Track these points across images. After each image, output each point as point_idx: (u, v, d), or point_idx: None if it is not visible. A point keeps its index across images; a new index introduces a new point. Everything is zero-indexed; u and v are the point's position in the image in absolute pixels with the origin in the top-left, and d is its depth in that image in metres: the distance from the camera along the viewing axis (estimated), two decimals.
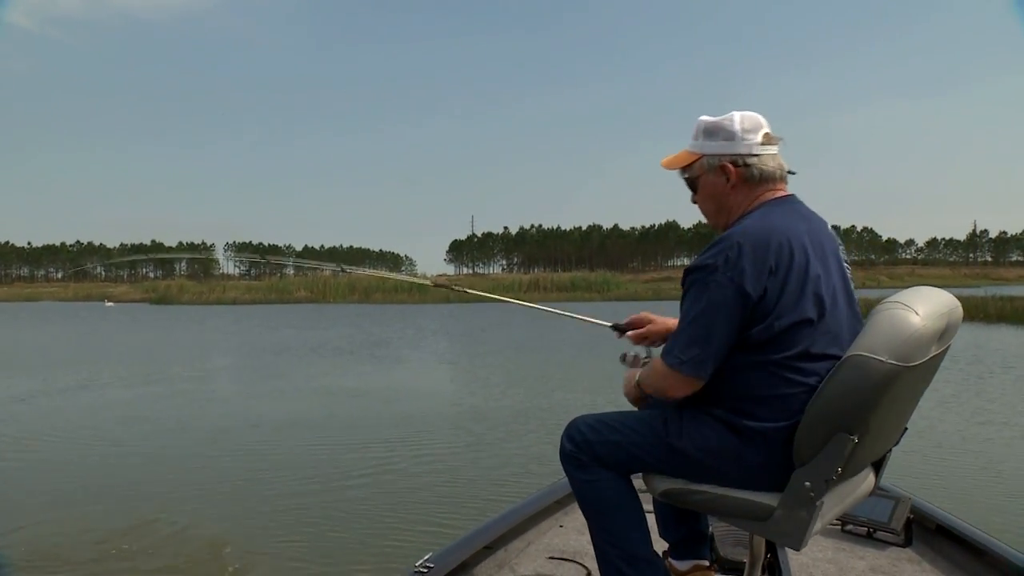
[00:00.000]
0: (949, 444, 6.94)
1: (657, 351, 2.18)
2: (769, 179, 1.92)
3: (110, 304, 61.44)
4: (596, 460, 1.92)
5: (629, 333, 2.32)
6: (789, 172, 1.95)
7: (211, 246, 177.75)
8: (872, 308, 1.82)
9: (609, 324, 2.39)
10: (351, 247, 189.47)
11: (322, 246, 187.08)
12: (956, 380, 10.86)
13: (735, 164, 1.90)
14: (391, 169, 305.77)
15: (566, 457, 1.98)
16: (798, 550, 1.75)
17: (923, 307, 1.69)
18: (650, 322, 2.31)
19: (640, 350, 2.30)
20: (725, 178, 1.91)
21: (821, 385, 1.69)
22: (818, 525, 1.73)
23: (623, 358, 2.31)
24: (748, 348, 1.74)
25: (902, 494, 2.81)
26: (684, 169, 1.99)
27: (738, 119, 1.92)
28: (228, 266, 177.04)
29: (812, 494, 1.67)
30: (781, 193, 1.93)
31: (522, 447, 7.02)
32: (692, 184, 2.00)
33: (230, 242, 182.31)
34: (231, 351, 18.48)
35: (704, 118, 1.97)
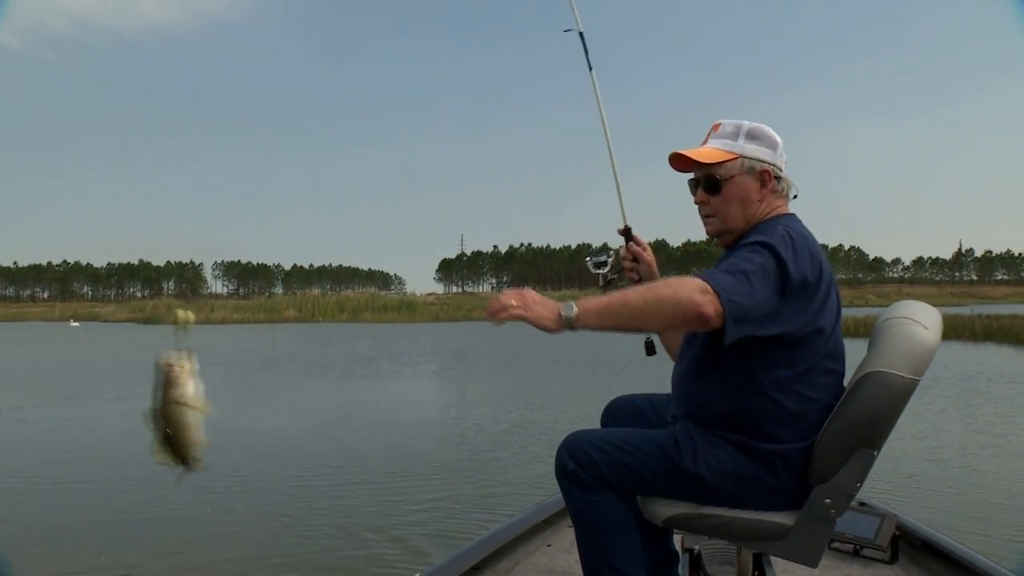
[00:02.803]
0: (935, 460, 6.96)
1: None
2: (786, 196, 1.95)
3: (75, 324, 61.32)
4: (601, 480, 1.82)
5: (632, 245, 2.26)
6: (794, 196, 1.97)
7: (199, 265, 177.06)
8: (876, 324, 1.87)
9: (621, 228, 2.31)
10: (340, 266, 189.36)
11: (311, 265, 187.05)
12: (943, 398, 10.91)
13: (773, 174, 1.90)
14: (380, 188, 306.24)
15: (567, 475, 1.87)
16: (814, 567, 1.75)
17: (928, 321, 1.76)
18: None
19: (617, 260, 2.23)
20: (760, 184, 1.89)
21: (841, 402, 1.71)
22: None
23: (594, 259, 2.22)
24: (768, 361, 1.73)
25: (887, 511, 2.81)
26: (712, 165, 1.89)
27: (775, 133, 1.93)
28: (216, 285, 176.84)
29: (833, 511, 1.69)
30: (789, 210, 1.95)
31: (509, 466, 6.99)
32: (714, 182, 1.89)
33: (218, 261, 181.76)
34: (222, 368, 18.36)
35: (740, 121, 1.93)
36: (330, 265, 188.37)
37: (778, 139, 1.91)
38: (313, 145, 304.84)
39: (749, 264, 1.63)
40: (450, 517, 5.30)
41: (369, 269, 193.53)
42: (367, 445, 8.15)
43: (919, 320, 1.74)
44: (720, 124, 1.94)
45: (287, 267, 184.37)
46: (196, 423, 1.53)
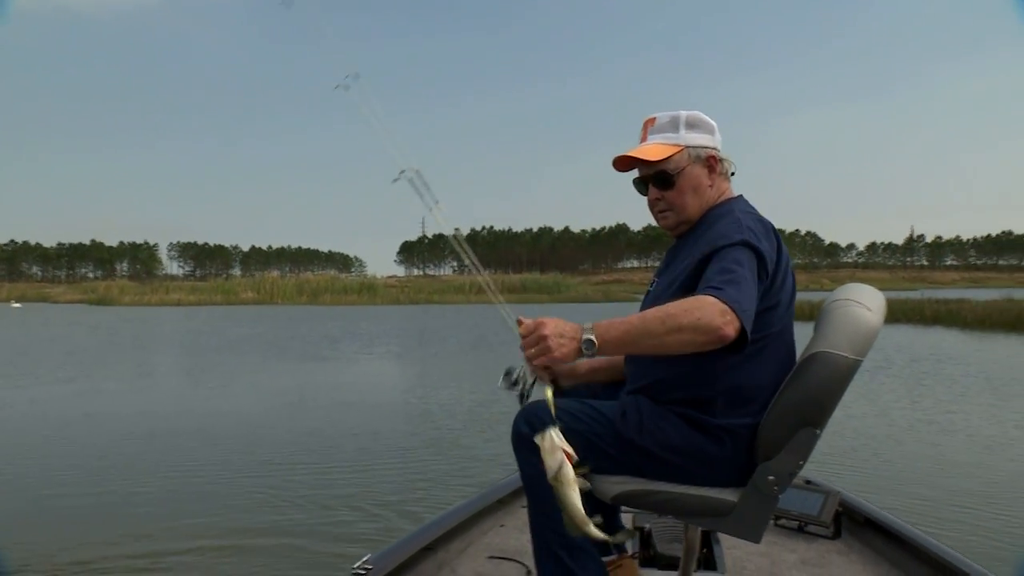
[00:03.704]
0: (881, 439, 7.13)
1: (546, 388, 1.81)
2: (729, 176, 1.98)
3: (16, 305, 60.05)
4: None
5: None
6: (732, 173, 2.00)
7: (154, 246, 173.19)
8: (823, 305, 1.90)
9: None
10: (299, 248, 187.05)
11: (270, 247, 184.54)
12: (894, 378, 11.21)
13: (717, 158, 1.93)
14: (341, 169, 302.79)
15: (522, 441, 1.87)
16: (757, 542, 1.79)
17: (872, 303, 1.78)
18: None
19: (527, 372, 2.00)
20: (707, 171, 1.92)
21: (787, 380, 1.74)
22: None
23: (506, 381, 2.06)
24: None
25: (832, 488, 2.89)
26: (661, 162, 1.90)
27: (708, 117, 1.95)
28: (172, 266, 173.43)
29: (776, 488, 1.72)
30: (733, 193, 1.97)
31: (471, 446, 7.00)
32: (666, 178, 1.91)
33: (174, 242, 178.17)
34: (166, 350, 18.03)
35: (675, 112, 1.93)
36: (289, 247, 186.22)
37: (713, 123, 1.95)
38: (272, 124, 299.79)
39: (740, 267, 1.67)
40: (410, 498, 5.30)
41: (329, 251, 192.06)
42: (328, 427, 8.09)
43: (863, 302, 1.77)
44: (655, 118, 1.96)
45: (245, 248, 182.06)
46: (567, 498, 1.60)
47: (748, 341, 1.63)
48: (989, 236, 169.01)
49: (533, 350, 1.64)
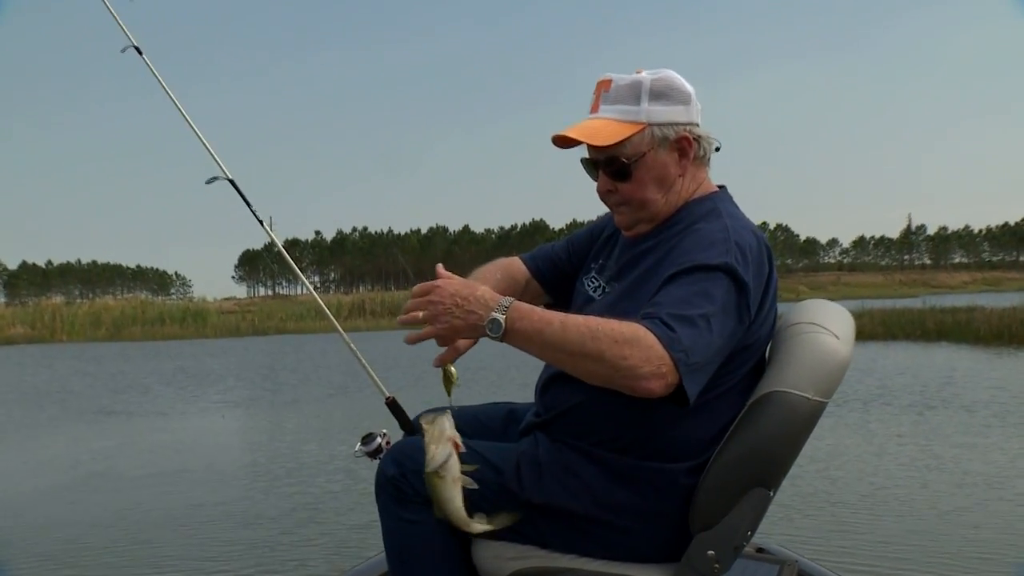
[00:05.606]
0: (848, 484, 7.32)
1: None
2: (708, 159, 1.99)
3: None
4: (423, 495, 1.80)
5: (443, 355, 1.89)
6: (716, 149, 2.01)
7: None
8: (776, 330, 1.92)
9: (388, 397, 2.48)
10: (94, 263, 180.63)
11: (49, 263, 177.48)
12: (876, 408, 11.58)
13: (692, 137, 1.91)
14: (148, 154, 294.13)
15: (386, 484, 1.90)
16: None
17: (840, 329, 1.83)
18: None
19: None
20: (679, 154, 1.90)
21: (732, 430, 1.77)
22: None
23: (368, 444, 2.32)
24: None
25: (787, 556, 2.92)
26: (612, 146, 1.87)
27: (683, 79, 1.90)
28: None
29: (717, 566, 1.74)
30: (713, 184, 2.00)
31: (336, 516, 6.97)
32: (620, 167, 1.89)
33: None
34: None
35: (638, 76, 1.88)
36: (79, 262, 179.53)
37: (689, 88, 1.93)
38: (49, 98, 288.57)
39: (710, 304, 1.67)
40: None
41: (137, 266, 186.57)
42: (146, 502, 7.89)
43: (828, 327, 1.82)
44: (610, 81, 1.92)
45: (12, 266, 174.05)
46: (449, 496, 1.71)
47: (688, 401, 1.65)
48: (1007, 225, 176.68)
49: (421, 315, 1.72)
